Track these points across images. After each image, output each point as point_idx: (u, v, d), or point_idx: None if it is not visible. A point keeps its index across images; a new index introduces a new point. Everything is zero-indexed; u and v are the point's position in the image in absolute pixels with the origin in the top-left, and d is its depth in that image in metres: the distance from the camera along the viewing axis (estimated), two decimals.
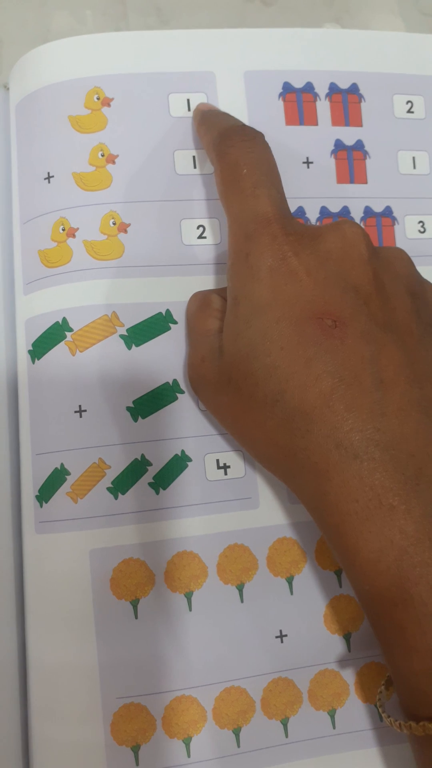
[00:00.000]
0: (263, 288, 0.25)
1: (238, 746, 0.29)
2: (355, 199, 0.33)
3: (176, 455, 0.29)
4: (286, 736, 0.29)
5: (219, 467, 0.30)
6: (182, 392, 0.30)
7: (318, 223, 0.32)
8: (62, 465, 0.29)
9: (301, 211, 0.32)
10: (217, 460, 0.30)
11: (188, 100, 0.31)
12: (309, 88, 0.33)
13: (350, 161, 0.33)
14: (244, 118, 0.32)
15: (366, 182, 0.33)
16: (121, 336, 0.30)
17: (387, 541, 0.23)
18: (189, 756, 0.28)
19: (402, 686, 0.24)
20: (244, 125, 0.29)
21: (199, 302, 0.29)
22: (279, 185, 0.27)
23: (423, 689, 0.23)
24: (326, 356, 0.24)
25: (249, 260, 0.26)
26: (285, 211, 0.26)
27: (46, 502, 0.29)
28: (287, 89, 0.32)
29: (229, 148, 0.27)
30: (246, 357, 0.25)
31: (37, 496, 0.29)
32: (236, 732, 0.29)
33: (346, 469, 0.23)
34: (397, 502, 0.23)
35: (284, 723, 0.29)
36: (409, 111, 0.34)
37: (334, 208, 0.33)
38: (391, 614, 0.23)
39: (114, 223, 0.30)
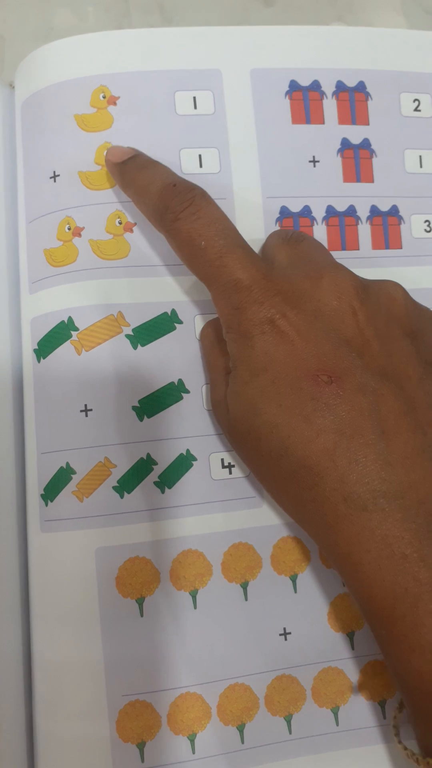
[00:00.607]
0: (257, 353, 0.25)
1: (242, 742, 0.29)
2: (362, 198, 0.32)
3: (181, 454, 0.29)
4: (290, 732, 0.29)
5: (224, 466, 0.30)
6: (187, 392, 0.30)
7: (324, 222, 0.32)
8: (68, 464, 0.29)
9: (307, 210, 0.32)
10: (222, 460, 0.30)
11: (194, 98, 0.31)
12: (316, 86, 0.32)
13: (357, 160, 0.33)
14: (250, 116, 0.31)
15: (372, 181, 0.33)
16: (127, 336, 0.29)
17: (401, 589, 0.23)
18: (194, 752, 0.28)
19: (420, 725, 0.24)
20: (174, 185, 0.27)
21: (212, 338, 0.29)
22: (240, 240, 0.26)
23: None
24: (325, 412, 0.24)
25: (240, 329, 0.26)
26: (259, 268, 0.26)
27: (52, 501, 0.29)
28: (294, 87, 0.32)
29: (175, 222, 0.26)
30: (247, 415, 0.25)
31: (42, 495, 0.29)
32: (240, 728, 0.29)
33: (355, 521, 0.23)
34: (410, 550, 0.23)
35: (288, 720, 0.29)
36: (416, 109, 0.34)
37: (341, 207, 0.32)
38: (409, 659, 0.23)
39: (120, 223, 0.30)
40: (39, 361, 0.30)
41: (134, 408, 0.29)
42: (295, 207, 0.32)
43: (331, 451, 0.24)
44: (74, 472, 0.29)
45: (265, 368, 0.25)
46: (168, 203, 0.27)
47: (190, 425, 0.30)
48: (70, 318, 0.29)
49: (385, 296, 0.27)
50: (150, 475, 0.29)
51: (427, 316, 0.28)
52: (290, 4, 0.39)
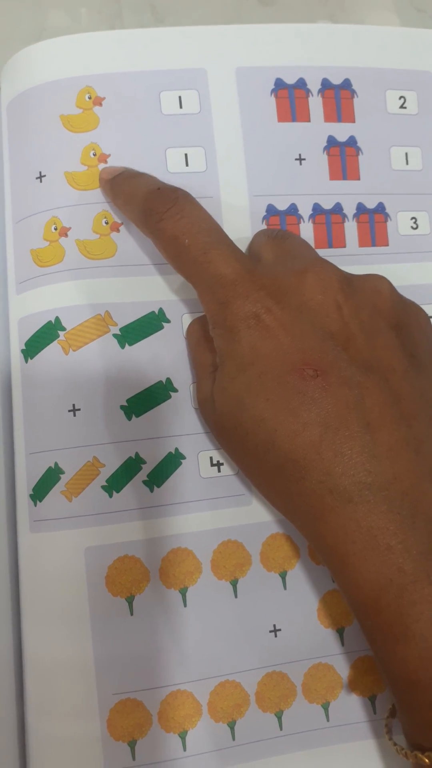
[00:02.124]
0: (243, 348, 0.25)
1: (233, 739, 0.28)
2: (348, 196, 0.32)
3: (170, 453, 0.29)
4: (281, 728, 0.28)
5: (212, 464, 0.29)
6: (175, 390, 0.29)
7: (311, 220, 0.31)
8: (56, 464, 0.28)
9: (294, 207, 0.31)
10: (211, 458, 0.29)
11: (180, 98, 0.30)
12: (301, 84, 0.31)
13: (343, 157, 0.32)
14: (236, 115, 0.31)
15: (359, 178, 0.32)
16: (114, 335, 0.29)
17: (386, 579, 0.22)
18: (185, 750, 0.28)
19: (406, 717, 0.24)
20: (158, 189, 0.27)
21: (198, 335, 0.29)
22: (224, 237, 0.26)
23: (427, 720, 0.23)
24: (311, 405, 0.24)
25: (227, 324, 0.25)
26: (244, 264, 0.25)
27: (41, 501, 0.28)
28: (279, 85, 0.31)
29: (159, 223, 0.26)
30: (234, 409, 0.25)
31: (31, 495, 0.28)
32: (231, 725, 0.28)
33: (341, 513, 0.23)
34: (394, 541, 0.22)
35: (278, 716, 0.28)
36: (401, 107, 0.33)
37: (327, 204, 0.31)
38: (394, 649, 0.23)
39: (106, 223, 0.29)
40: (27, 361, 0.29)
41: (122, 407, 0.28)
42: (282, 205, 0.31)
43: (317, 444, 0.23)
44: (63, 472, 0.28)
45: (252, 363, 0.24)
46: (152, 206, 0.26)
47: (179, 424, 0.29)
48: (57, 318, 0.29)
49: (371, 290, 0.26)
50: (139, 474, 0.28)
51: (412, 309, 0.27)
52: (282, 3, 0.38)
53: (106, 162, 0.29)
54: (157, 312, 0.29)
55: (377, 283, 0.27)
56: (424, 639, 0.22)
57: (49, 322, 0.29)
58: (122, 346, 0.29)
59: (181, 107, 0.30)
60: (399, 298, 0.27)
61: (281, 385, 0.24)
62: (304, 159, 0.31)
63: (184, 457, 0.29)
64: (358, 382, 0.24)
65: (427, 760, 0.22)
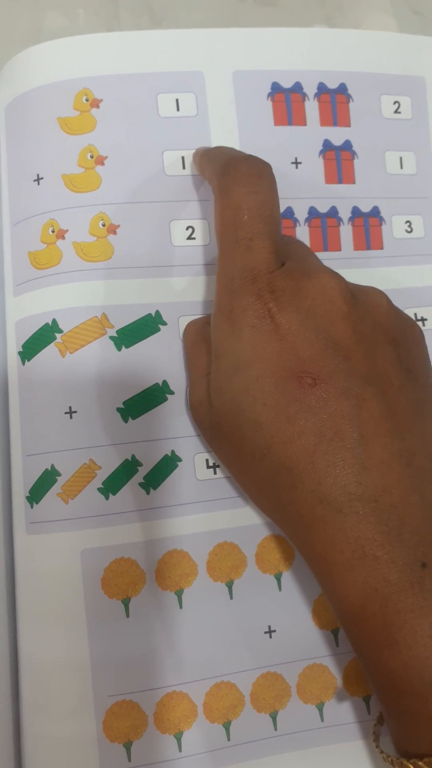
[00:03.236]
0: (244, 346, 0.24)
1: (229, 740, 0.28)
2: (344, 199, 0.31)
3: (166, 455, 0.28)
4: (275, 729, 0.28)
5: (208, 467, 0.28)
6: (172, 393, 0.28)
7: (307, 224, 0.31)
8: (53, 466, 0.27)
9: (290, 211, 0.30)
10: (207, 460, 0.28)
11: (177, 101, 0.30)
12: (297, 88, 0.31)
13: (338, 161, 0.31)
14: (233, 118, 0.30)
15: (354, 182, 0.31)
16: (111, 337, 0.28)
17: (371, 589, 0.22)
18: (180, 750, 0.27)
19: (393, 725, 0.23)
20: (249, 155, 0.26)
21: (194, 336, 0.28)
22: (277, 231, 0.25)
23: (412, 728, 0.22)
24: (307, 414, 0.23)
25: (232, 316, 0.24)
26: (274, 264, 0.25)
27: (37, 503, 0.27)
28: (276, 89, 0.31)
29: (233, 182, 0.25)
30: (231, 412, 0.24)
31: (27, 497, 0.28)
32: (226, 726, 0.28)
33: (330, 523, 0.23)
34: (380, 552, 0.22)
35: (273, 716, 0.28)
36: (396, 111, 0.32)
37: (323, 208, 0.31)
38: (379, 657, 0.22)
39: (103, 225, 0.29)
40: (24, 363, 0.28)
41: (119, 409, 0.28)
42: None
43: (311, 453, 0.23)
44: (59, 474, 0.27)
45: (250, 363, 0.24)
46: (236, 164, 0.25)
47: (175, 426, 0.28)
48: (54, 320, 0.28)
49: (372, 303, 0.26)
50: (135, 476, 0.28)
51: (408, 324, 0.27)
52: (280, 4, 0.37)
53: (103, 164, 0.29)
54: (153, 314, 0.29)
55: (377, 298, 0.26)
56: (409, 647, 0.22)
57: (46, 325, 0.28)
58: (119, 349, 0.28)
59: (178, 110, 0.30)
60: (396, 312, 0.26)
61: (279, 391, 0.23)
62: (300, 163, 0.31)
63: (180, 460, 0.28)
64: (355, 393, 0.23)
65: (412, 767, 0.22)
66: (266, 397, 0.23)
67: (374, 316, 0.25)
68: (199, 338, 0.28)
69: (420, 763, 0.22)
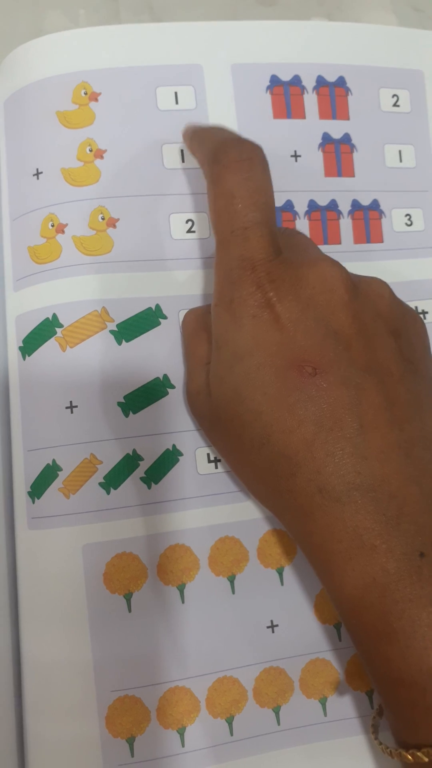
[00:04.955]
0: (245, 335, 0.23)
1: (231, 735, 0.27)
2: (343, 193, 0.30)
3: (167, 450, 0.27)
4: (278, 724, 0.27)
5: (210, 461, 0.28)
6: (173, 387, 0.27)
7: (306, 217, 0.30)
8: (54, 461, 0.26)
9: (289, 204, 0.30)
10: (208, 454, 0.28)
11: (176, 94, 0.29)
12: (296, 81, 0.30)
13: (338, 154, 0.30)
14: (232, 111, 0.29)
15: (353, 175, 0.31)
16: (111, 331, 0.27)
17: (370, 579, 0.22)
18: (183, 746, 0.26)
19: (392, 716, 0.23)
20: (240, 139, 0.25)
21: (193, 325, 0.27)
22: (272, 220, 0.24)
23: (410, 719, 0.22)
24: (307, 403, 0.22)
25: (232, 306, 0.24)
26: (272, 253, 0.24)
27: (39, 498, 0.27)
28: (275, 82, 0.30)
29: (225, 170, 0.24)
30: (231, 401, 0.24)
31: (29, 492, 0.27)
32: (229, 721, 0.27)
33: (329, 512, 0.22)
34: (378, 542, 0.22)
35: (276, 711, 0.27)
36: (395, 105, 0.32)
37: (322, 201, 0.30)
38: (377, 647, 0.22)
39: (103, 218, 0.28)
40: (24, 358, 0.27)
41: (119, 404, 0.27)
42: (278, 201, 0.29)
43: (310, 442, 0.22)
44: (60, 469, 0.26)
45: (251, 352, 0.23)
46: (227, 149, 0.24)
47: (176, 420, 0.27)
48: (54, 315, 0.27)
49: (374, 293, 0.25)
50: (136, 471, 0.27)
51: (410, 315, 0.26)
52: (279, 3, 0.37)
53: (102, 158, 0.28)
54: (154, 308, 0.28)
55: (379, 288, 0.25)
56: (407, 637, 0.21)
57: (47, 319, 0.27)
58: (119, 343, 0.27)
59: (177, 103, 0.29)
60: (398, 303, 0.26)
61: (279, 380, 0.23)
62: (299, 156, 0.30)
63: (181, 454, 0.27)
64: (356, 383, 0.23)
65: (410, 758, 0.21)
66: (267, 386, 0.23)
67: (376, 306, 0.25)
68: (199, 327, 0.27)
69: (419, 753, 0.21)
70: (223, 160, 0.24)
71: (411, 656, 0.21)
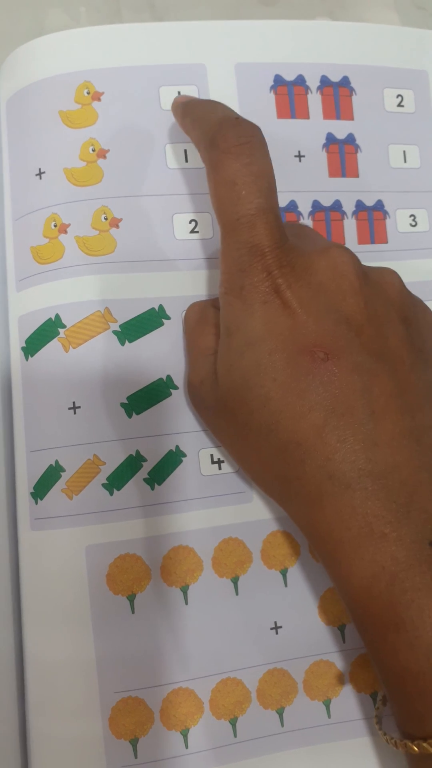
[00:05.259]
0: (256, 321, 0.23)
1: (235, 736, 0.27)
2: (347, 193, 0.30)
3: (171, 451, 0.27)
4: (282, 725, 0.27)
5: (213, 462, 0.27)
6: (176, 388, 0.27)
7: (310, 218, 0.29)
8: (57, 462, 0.26)
9: (293, 204, 0.29)
10: (211, 455, 0.27)
11: (179, 93, 0.29)
12: (300, 80, 0.30)
13: (342, 155, 0.30)
14: (236, 111, 0.29)
15: (357, 176, 0.30)
16: (114, 332, 0.27)
17: (379, 567, 0.21)
18: (187, 747, 0.26)
19: (397, 706, 0.22)
20: (237, 118, 0.24)
21: (197, 317, 0.27)
22: (276, 205, 0.24)
23: (417, 710, 0.21)
24: (319, 388, 0.22)
25: (243, 293, 0.23)
26: (280, 237, 0.23)
27: (42, 499, 0.26)
28: (278, 82, 0.30)
29: (224, 156, 0.23)
30: (240, 387, 0.23)
31: (32, 493, 0.27)
32: (233, 722, 0.27)
33: (338, 498, 0.22)
34: (388, 529, 0.21)
35: (280, 713, 0.27)
36: (399, 105, 0.31)
37: (326, 201, 0.30)
38: (384, 637, 0.21)
39: (105, 218, 0.27)
40: (27, 359, 0.27)
41: (123, 405, 0.27)
42: (281, 202, 0.29)
43: (321, 428, 0.22)
44: (63, 470, 0.26)
45: (263, 338, 0.23)
46: (225, 133, 0.23)
47: (179, 421, 0.27)
48: (57, 315, 0.27)
49: (384, 281, 0.25)
50: (139, 472, 0.27)
51: (420, 306, 0.26)
52: (281, 2, 0.36)
53: (105, 158, 0.28)
54: (157, 309, 0.28)
55: (390, 277, 0.25)
56: (415, 627, 0.21)
57: (50, 320, 0.27)
58: (122, 343, 0.27)
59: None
60: (408, 293, 0.26)
61: (291, 366, 0.22)
62: (303, 156, 0.30)
63: (184, 455, 0.27)
64: (367, 369, 0.23)
65: (416, 749, 0.21)
66: (278, 371, 0.22)
67: (387, 293, 0.24)
68: (203, 319, 0.27)
69: (424, 744, 0.21)
70: (222, 145, 0.23)
71: (419, 646, 0.21)
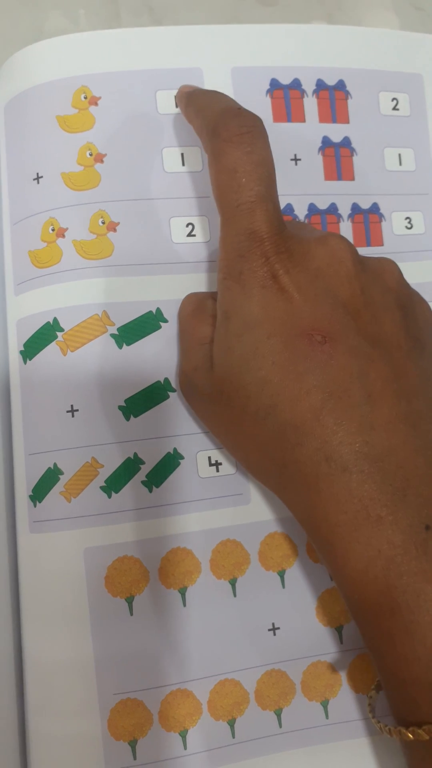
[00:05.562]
0: (255, 305, 0.23)
1: (233, 737, 0.27)
2: (343, 196, 0.30)
3: (168, 453, 0.27)
4: (280, 726, 0.27)
5: (211, 464, 0.27)
6: (174, 390, 0.27)
7: (307, 220, 0.30)
8: (55, 464, 0.26)
9: (289, 208, 0.29)
10: (209, 458, 0.27)
11: (175, 97, 0.28)
12: (296, 84, 0.30)
13: (337, 158, 0.30)
14: None
15: (353, 179, 0.30)
16: (112, 335, 0.27)
17: (375, 551, 0.21)
18: (185, 748, 0.26)
19: (392, 693, 0.22)
20: (239, 109, 0.25)
21: (193, 306, 0.27)
22: (275, 194, 0.24)
23: (412, 696, 0.21)
24: (316, 371, 0.22)
25: (241, 278, 0.24)
26: (279, 225, 0.24)
27: (40, 502, 0.26)
28: (275, 85, 0.30)
29: (225, 145, 0.24)
30: (238, 371, 0.23)
31: (30, 496, 0.27)
32: (231, 723, 0.27)
33: (335, 481, 0.22)
34: (384, 513, 0.21)
35: (278, 714, 0.27)
36: (394, 108, 0.31)
37: (322, 204, 0.30)
38: (380, 623, 0.21)
39: (103, 222, 0.28)
40: (25, 362, 0.27)
41: (120, 407, 0.27)
42: None
43: (318, 410, 0.22)
44: (62, 473, 0.26)
45: (261, 322, 0.23)
46: (227, 122, 0.24)
47: (177, 424, 0.27)
48: (55, 319, 0.27)
49: (382, 269, 0.25)
50: (137, 475, 0.27)
51: (417, 297, 0.26)
52: (280, 3, 0.36)
53: (102, 162, 0.28)
54: (154, 312, 0.28)
55: (389, 265, 0.26)
56: (411, 611, 0.21)
57: (48, 323, 0.27)
58: (120, 346, 0.27)
59: (176, 106, 0.29)
60: (407, 283, 0.26)
61: (289, 349, 0.23)
62: (299, 159, 0.30)
63: (182, 457, 0.27)
64: (364, 353, 0.23)
65: (411, 735, 0.21)
66: (275, 355, 0.23)
67: (384, 281, 0.25)
68: (200, 308, 0.27)
69: (419, 730, 0.21)
70: (223, 134, 0.24)
71: (415, 631, 0.21)
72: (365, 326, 0.23)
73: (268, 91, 0.30)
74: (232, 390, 0.24)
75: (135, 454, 0.27)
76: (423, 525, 0.21)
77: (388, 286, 0.25)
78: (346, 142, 0.31)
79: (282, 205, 0.29)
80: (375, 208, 0.31)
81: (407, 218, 0.31)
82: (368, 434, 0.22)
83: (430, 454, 0.22)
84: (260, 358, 0.23)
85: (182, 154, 0.29)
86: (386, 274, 0.25)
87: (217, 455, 0.27)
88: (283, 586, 0.28)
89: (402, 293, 0.25)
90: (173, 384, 0.27)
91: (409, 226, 0.31)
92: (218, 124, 0.24)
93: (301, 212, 0.30)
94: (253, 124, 0.24)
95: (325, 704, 0.27)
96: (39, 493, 0.27)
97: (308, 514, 0.23)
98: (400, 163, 0.31)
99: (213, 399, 0.25)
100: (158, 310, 0.28)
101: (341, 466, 0.22)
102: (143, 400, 0.27)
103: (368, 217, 0.31)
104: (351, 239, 0.30)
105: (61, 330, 0.27)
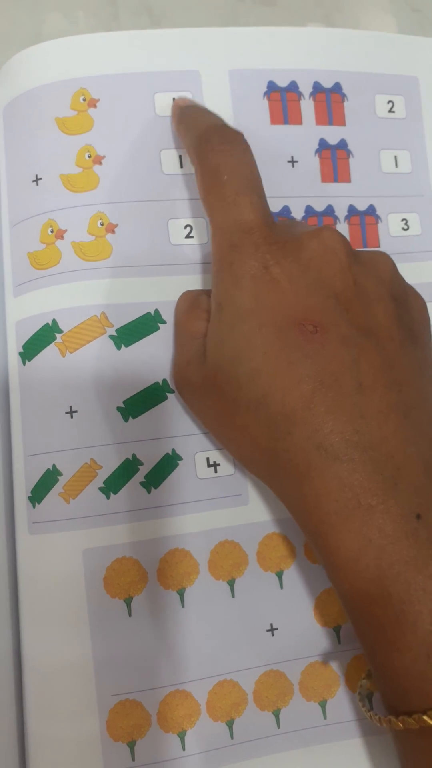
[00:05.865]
0: (247, 295, 0.23)
1: (232, 738, 0.27)
2: (340, 198, 0.30)
3: (167, 454, 0.27)
4: (278, 727, 0.27)
5: (209, 465, 0.27)
6: (172, 392, 0.27)
7: (303, 222, 0.30)
8: (54, 466, 0.26)
9: (286, 210, 0.30)
10: (207, 459, 0.27)
11: (174, 100, 0.29)
12: (293, 87, 0.30)
13: (334, 160, 0.30)
14: (230, 117, 0.29)
15: (350, 181, 0.31)
16: (111, 336, 0.27)
17: (365, 540, 0.21)
18: (184, 749, 0.26)
19: (382, 683, 0.22)
20: (223, 125, 0.26)
21: (189, 302, 0.27)
22: (260, 189, 0.25)
23: (402, 686, 0.21)
24: (307, 360, 0.22)
25: (233, 269, 0.24)
26: (267, 217, 0.24)
27: (39, 503, 0.26)
28: (272, 88, 0.30)
29: (209, 152, 0.25)
30: (230, 362, 0.23)
31: (29, 497, 0.27)
32: (229, 724, 0.27)
33: (326, 470, 0.22)
34: (375, 501, 0.21)
35: (276, 714, 0.27)
36: (390, 111, 0.31)
37: (319, 207, 0.30)
38: (371, 612, 0.21)
39: (102, 224, 0.28)
40: (24, 363, 0.27)
41: (119, 409, 0.27)
42: (275, 207, 0.29)
43: (309, 399, 0.22)
44: (61, 474, 0.26)
45: (253, 312, 0.23)
46: (211, 135, 0.26)
47: (175, 425, 0.27)
48: (54, 320, 0.27)
49: (376, 261, 0.25)
50: (136, 476, 0.27)
51: (411, 290, 0.27)
52: (279, 4, 0.36)
53: (101, 164, 0.28)
54: (152, 313, 0.28)
55: (382, 258, 0.26)
56: (402, 601, 0.21)
57: (47, 325, 0.27)
58: (118, 348, 0.27)
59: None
60: (399, 275, 0.26)
61: (280, 339, 0.23)
62: (296, 161, 0.30)
63: (180, 458, 0.27)
64: (356, 342, 0.23)
65: (401, 724, 0.21)
66: (267, 345, 0.23)
67: (378, 273, 0.25)
68: (194, 304, 0.27)
69: (409, 719, 0.21)
70: (207, 144, 0.25)
71: (405, 621, 0.21)
72: (357, 317, 0.23)
73: (265, 94, 0.30)
74: (224, 381, 0.24)
75: (134, 455, 0.27)
76: (414, 514, 0.21)
77: (381, 277, 0.25)
78: (342, 145, 0.31)
79: (279, 207, 0.30)
80: (371, 210, 0.31)
81: (403, 220, 0.31)
82: (359, 423, 0.22)
83: (421, 443, 0.22)
84: (252, 349, 0.23)
85: (180, 156, 0.29)
86: (380, 266, 0.25)
87: (215, 456, 0.27)
88: (281, 587, 0.28)
89: (396, 285, 0.25)
90: (171, 385, 0.27)
91: (405, 227, 0.31)
92: (202, 137, 0.26)
93: (297, 214, 0.30)
94: (234, 137, 0.25)
95: (323, 704, 0.27)
96: (38, 494, 0.26)
97: (300, 503, 0.23)
98: (396, 165, 0.31)
99: (206, 392, 0.25)
100: (156, 311, 0.28)
101: (332, 454, 0.22)
102: (142, 401, 0.27)
103: (365, 219, 0.31)
104: (348, 241, 0.30)
105: (60, 331, 0.27)
